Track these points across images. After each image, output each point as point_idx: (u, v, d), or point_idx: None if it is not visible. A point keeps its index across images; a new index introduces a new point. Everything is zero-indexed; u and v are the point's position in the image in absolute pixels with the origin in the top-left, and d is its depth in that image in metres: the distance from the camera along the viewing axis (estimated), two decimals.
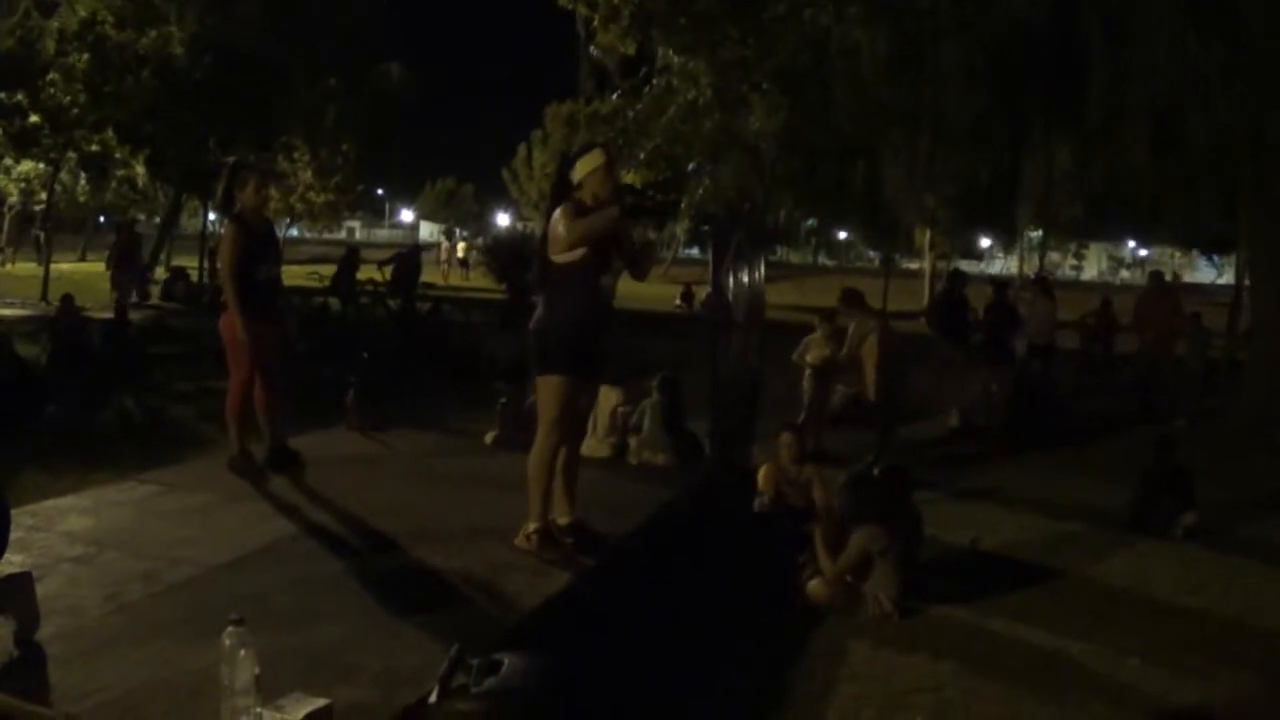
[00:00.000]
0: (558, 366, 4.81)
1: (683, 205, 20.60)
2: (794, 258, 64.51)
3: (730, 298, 7.88)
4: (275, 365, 6.39)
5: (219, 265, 6.45)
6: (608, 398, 7.52)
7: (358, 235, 68.31)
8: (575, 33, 17.33)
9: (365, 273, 20.18)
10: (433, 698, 3.15)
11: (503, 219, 64.31)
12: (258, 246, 6.19)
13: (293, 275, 18.50)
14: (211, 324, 6.31)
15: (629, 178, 19.12)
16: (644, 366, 9.02)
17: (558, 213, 4.77)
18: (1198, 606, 6.10)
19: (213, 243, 19.94)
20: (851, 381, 10.17)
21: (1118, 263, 67.22)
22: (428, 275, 25.10)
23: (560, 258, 4.77)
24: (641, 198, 32.36)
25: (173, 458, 7.45)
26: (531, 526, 4.90)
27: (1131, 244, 63.34)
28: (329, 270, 20.35)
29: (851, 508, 6.14)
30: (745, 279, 8.14)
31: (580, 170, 4.83)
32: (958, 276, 14.25)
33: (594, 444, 7.25)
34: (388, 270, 19.90)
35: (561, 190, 4.89)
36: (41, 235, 28.24)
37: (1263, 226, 12.75)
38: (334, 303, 18.50)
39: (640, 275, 5.11)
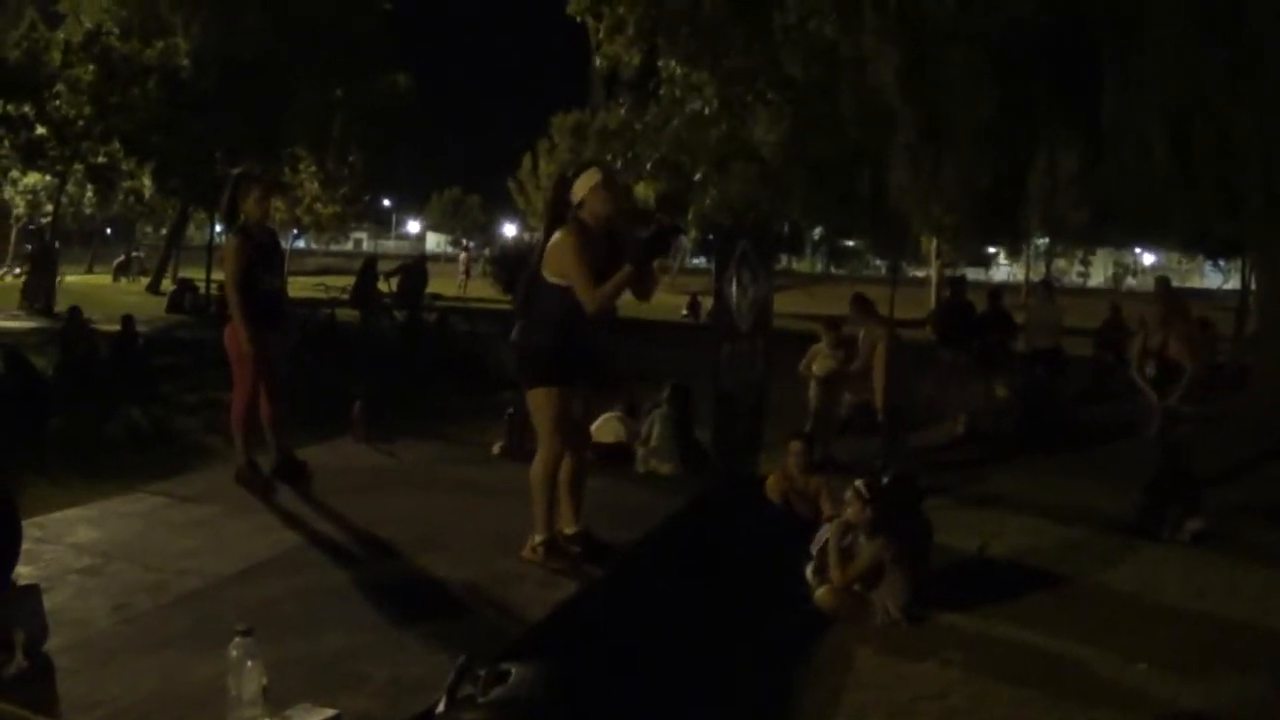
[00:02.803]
0: (543, 378, 4.79)
1: (690, 215, 20.56)
2: (801, 266, 64.45)
3: (734, 307, 7.88)
4: (279, 375, 6.41)
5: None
6: (608, 421, 7.55)
7: (365, 246, 68.29)
8: (583, 43, 17.36)
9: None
10: (440, 708, 3.16)
11: (509, 229, 64.47)
12: (261, 257, 6.19)
13: (300, 287, 18.63)
14: (218, 335, 6.33)
15: (638, 190, 19.09)
16: (650, 377, 9.01)
17: (561, 236, 4.74)
18: (1205, 611, 6.07)
19: (219, 254, 20.00)
20: (859, 390, 10.17)
21: (1124, 269, 67.05)
22: (445, 287, 25.02)
23: (554, 278, 4.77)
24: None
25: (180, 469, 7.48)
26: (538, 538, 4.90)
27: (1137, 251, 63.17)
28: (335, 281, 20.33)
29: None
30: (751, 288, 8.14)
31: (579, 189, 4.82)
32: (959, 282, 14.30)
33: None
34: (394, 281, 19.93)
35: (560, 210, 4.87)
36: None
37: (1270, 231, 12.71)
38: (341, 313, 18.48)
39: (644, 297, 5.06)
